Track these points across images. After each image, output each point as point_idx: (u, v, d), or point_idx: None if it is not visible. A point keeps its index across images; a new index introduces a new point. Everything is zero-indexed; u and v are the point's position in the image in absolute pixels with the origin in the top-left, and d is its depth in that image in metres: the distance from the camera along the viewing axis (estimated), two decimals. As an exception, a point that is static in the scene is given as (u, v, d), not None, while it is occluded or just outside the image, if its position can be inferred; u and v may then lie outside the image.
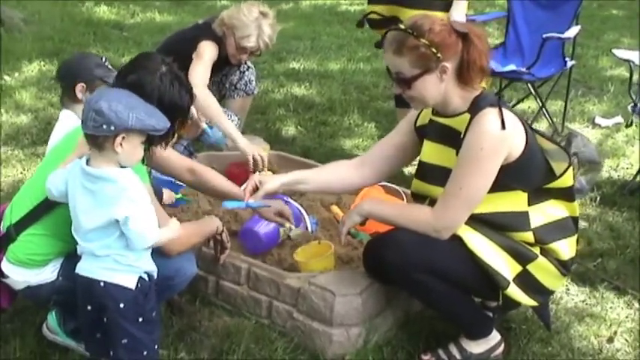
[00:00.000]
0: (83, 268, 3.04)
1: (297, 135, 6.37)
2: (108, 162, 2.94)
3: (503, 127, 3.15)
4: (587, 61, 8.85)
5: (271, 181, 3.58)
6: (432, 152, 3.48)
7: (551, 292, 3.62)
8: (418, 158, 3.58)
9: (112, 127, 2.85)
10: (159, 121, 2.96)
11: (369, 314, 3.63)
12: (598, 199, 5.29)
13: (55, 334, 3.59)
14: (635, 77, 5.89)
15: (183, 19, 9.78)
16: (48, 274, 3.30)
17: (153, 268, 3.11)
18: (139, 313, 3.04)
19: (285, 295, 3.72)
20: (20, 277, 3.29)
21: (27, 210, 3.28)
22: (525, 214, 3.34)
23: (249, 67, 5.66)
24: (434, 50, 3.17)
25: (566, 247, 3.45)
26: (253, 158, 4.79)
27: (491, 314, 3.72)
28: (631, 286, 4.25)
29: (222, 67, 5.35)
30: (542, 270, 3.40)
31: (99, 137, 2.89)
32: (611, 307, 4.09)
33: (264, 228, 4.04)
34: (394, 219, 3.47)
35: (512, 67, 6.25)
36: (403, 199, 4.39)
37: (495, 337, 3.60)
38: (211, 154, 5.14)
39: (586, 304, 4.12)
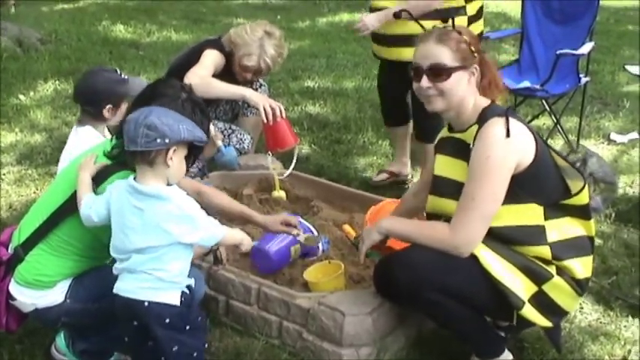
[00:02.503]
0: (123, 289, 3.04)
1: (311, 153, 6.36)
2: (157, 178, 2.97)
3: (508, 135, 3.18)
4: (603, 77, 8.81)
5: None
6: (444, 165, 3.49)
7: (566, 313, 3.58)
8: (432, 174, 3.58)
9: (167, 140, 2.89)
10: (202, 134, 3.05)
11: (379, 334, 3.61)
12: (613, 216, 5.24)
13: (63, 355, 3.59)
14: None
15: (199, 38, 9.75)
16: (56, 295, 3.30)
17: (192, 282, 3.13)
18: (185, 322, 3.07)
19: (295, 315, 3.70)
20: (28, 299, 3.29)
21: (34, 229, 3.29)
22: (542, 228, 3.33)
23: (261, 84, 5.64)
24: (472, 49, 3.33)
25: (581, 266, 3.42)
26: (264, 109, 4.75)
27: (503, 333, 3.68)
28: (646, 304, 4.22)
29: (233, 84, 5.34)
30: (558, 290, 3.37)
31: (151, 153, 2.92)
32: (625, 326, 4.04)
33: (274, 247, 4.02)
34: (413, 236, 3.44)
35: (526, 83, 6.23)
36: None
37: (507, 356, 3.57)
38: (224, 173, 5.13)
39: (600, 322, 4.08)
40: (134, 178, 2.99)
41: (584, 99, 6.64)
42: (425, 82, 3.37)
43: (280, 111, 4.77)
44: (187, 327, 3.06)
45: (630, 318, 4.11)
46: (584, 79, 6.32)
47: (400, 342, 3.72)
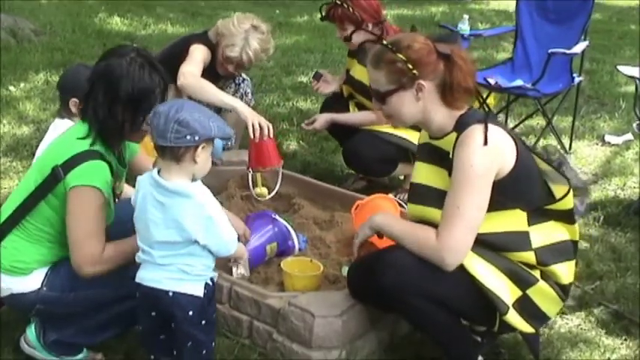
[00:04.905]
0: (147, 278, 3.06)
1: (298, 150, 6.29)
2: (182, 174, 2.98)
3: (486, 142, 3.10)
4: (601, 77, 8.69)
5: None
6: (423, 173, 3.42)
7: (548, 319, 3.52)
8: (410, 181, 3.53)
9: (197, 137, 2.90)
10: (230, 130, 3.09)
11: (349, 337, 3.54)
12: (601, 218, 5.16)
13: (34, 348, 3.52)
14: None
15: (195, 31, 9.74)
16: (32, 282, 3.31)
17: (215, 274, 3.15)
18: (203, 317, 3.09)
19: (265, 315, 3.64)
20: (3, 284, 3.31)
21: (8, 215, 3.32)
22: (526, 234, 3.26)
23: (244, 79, 5.57)
24: (409, 66, 3.17)
25: (565, 271, 3.36)
26: (252, 126, 4.62)
27: (479, 339, 3.60)
28: (630, 311, 4.13)
29: (216, 79, 5.26)
30: (542, 295, 3.31)
31: (180, 149, 2.92)
32: (606, 333, 3.97)
33: (250, 246, 3.93)
34: (401, 238, 3.33)
35: (519, 82, 6.17)
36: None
37: (481, 362, 3.50)
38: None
39: (580, 328, 4.01)
40: (158, 172, 3.00)
41: (578, 99, 6.57)
42: (375, 103, 3.37)
43: (268, 130, 4.67)
44: (204, 322, 3.08)
45: (612, 324, 4.03)
46: (577, 79, 6.25)
47: (372, 346, 3.65)
